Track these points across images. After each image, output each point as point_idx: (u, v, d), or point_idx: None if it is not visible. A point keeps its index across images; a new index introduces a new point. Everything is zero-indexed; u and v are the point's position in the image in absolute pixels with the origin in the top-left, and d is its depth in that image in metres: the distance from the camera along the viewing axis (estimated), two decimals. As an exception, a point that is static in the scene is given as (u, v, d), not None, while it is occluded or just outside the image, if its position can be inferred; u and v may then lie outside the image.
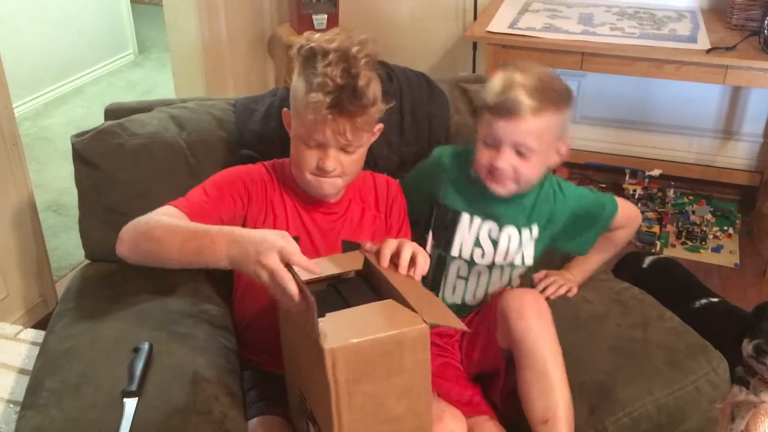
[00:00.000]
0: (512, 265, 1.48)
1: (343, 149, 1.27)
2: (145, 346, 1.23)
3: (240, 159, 1.53)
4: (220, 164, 1.50)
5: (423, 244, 1.47)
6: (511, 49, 2.58)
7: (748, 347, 1.64)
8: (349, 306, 1.11)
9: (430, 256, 1.44)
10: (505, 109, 1.32)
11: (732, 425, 1.78)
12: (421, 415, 1.09)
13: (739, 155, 3.09)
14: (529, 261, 1.48)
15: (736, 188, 3.06)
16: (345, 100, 1.20)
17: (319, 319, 1.05)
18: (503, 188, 1.39)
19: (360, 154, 1.31)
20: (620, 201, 1.52)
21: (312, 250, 1.35)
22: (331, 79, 1.19)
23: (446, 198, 1.47)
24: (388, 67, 1.72)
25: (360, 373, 1.01)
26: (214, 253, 1.12)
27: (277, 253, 1.05)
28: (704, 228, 2.80)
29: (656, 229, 2.78)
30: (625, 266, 2.04)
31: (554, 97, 1.34)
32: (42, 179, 3.00)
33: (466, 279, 1.49)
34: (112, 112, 1.64)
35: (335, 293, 1.19)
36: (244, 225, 1.34)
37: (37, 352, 1.32)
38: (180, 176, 1.52)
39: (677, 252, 2.67)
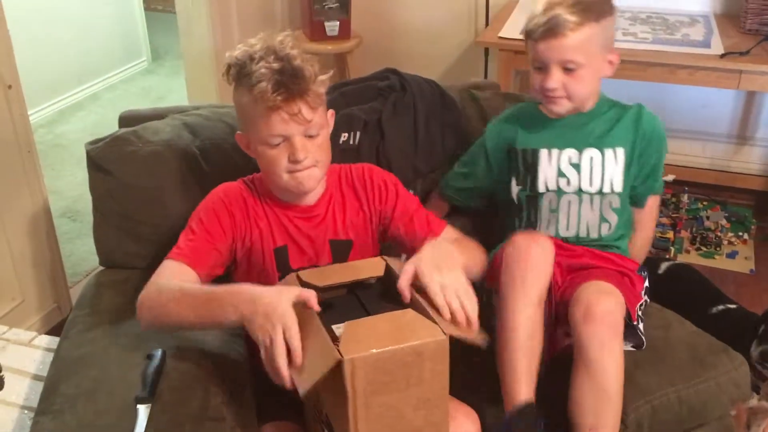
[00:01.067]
0: (601, 193, 1.48)
1: (307, 134, 1.25)
2: (158, 352, 1.23)
3: (252, 167, 1.54)
4: (232, 171, 1.51)
5: (507, 192, 1.54)
6: (524, 55, 2.55)
7: (755, 352, 1.63)
8: (368, 314, 1.11)
9: (517, 199, 1.52)
10: (545, 30, 1.38)
11: (748, 432, 1.76)
12: (439, 426, 1.08)
13: (753, 160, 3.07)
14: (618, 187, 1.49)
15: (750, 193, 3.03)
16: (287, 80, 1.19)
17: (337, 326, 1.05)
18: (560, 107, 1.45)
19: (324, 137, 1.28)
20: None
21: (301, 257, 1.35)
22: (267, 68, 1.20)
23: (520, 142, 1.52)
24: (401, 76, 1.72)
25: (378, 384, 1.01)
26: (226, 318, 1.13)
27: (282, 318, 1.05)
28: (719, 234, 2.78)
29: (670, 234, 2.76)
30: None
31: (592, 8, 1.38)
32: (57, 186, 3.02)
33: (557, 211, 1.50)
34: (126, 120, 1.66)
35: (355, 299, 1.18)
36: (233, 245, 1.34)
37: (52, 358, 1.33)
38: (193, 183, 1.53)
39: (692, 258, 2.65)
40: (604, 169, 1.48)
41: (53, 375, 1.27)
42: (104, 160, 1.51)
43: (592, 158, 1.47)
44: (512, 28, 2.66)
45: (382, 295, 1.19)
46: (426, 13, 3.21)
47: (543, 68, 1.42)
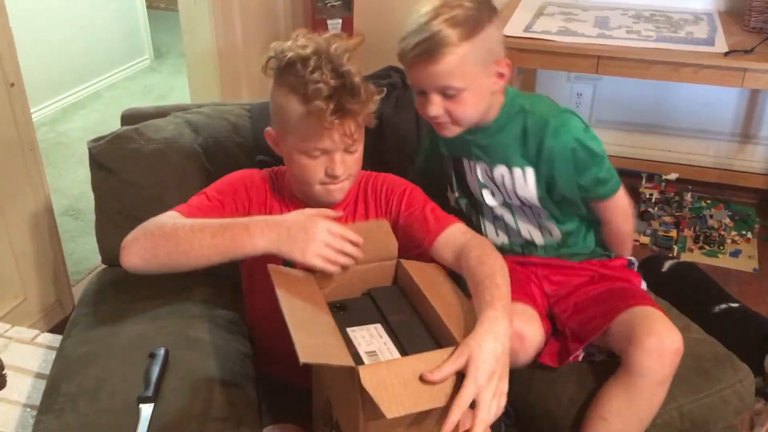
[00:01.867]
0: (527, 205, 1.41)
1: (347, 150, 1.23)
2: (161, 351, 1.23)
3: (255, 164, 1.53)
4: (235, 169, 1.50)
5: (456, 199, 1.50)
6: (526, 53, 2.57)
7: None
8: (383, 317, 1.10)
9: (458, 205, 1.48)
10: (414, 56, 1.24)
11: (752, 433, 1.76)
12: None
13: (757, 159, 3.06)
14: (537, 203, 1.39)
15: (754, 192, 3.02)
16: (345, 101, 1.16)
17: (352, 329, 1.06)
18: (448, 132, 1.34)
19: (361, 150, 1.27)
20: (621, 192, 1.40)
21: None
22: (325, 83, 1.15)
23: (446, 149, 1.47)
24: (403, 74, 1.72)
25: None
26: (252, 238, 1.12)
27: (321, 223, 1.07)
28: (722, 232, 2.77)
29: (673, 233, 2.76)
30: (644, 270, 2.03)
31: (465, 24, 1.23)
32: (59, 184, 3.02)
33: (501, 219, 1.47)
34: (128, 118, 1.65)
35: (370, 302, 1.17)
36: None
37: (54, 357, 1.33)
38: (195, 181, 1.52)
39: (695, 256, 2.64)
40: (515, 187, 1.39)
41: (55, 374, 1.26)
42: (106, 158, 1.51)
43: (503, 175, 1.39)
44: (514, 27, 2.66)
45: (397, 300, 1.17)
46: (429, 11, 3.21)
47: (422, 93, 1.30)
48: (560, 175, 1.34)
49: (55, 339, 1.61)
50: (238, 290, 1.46)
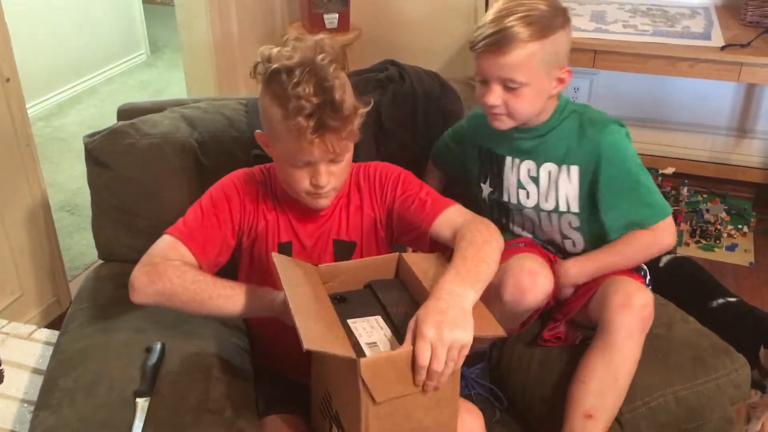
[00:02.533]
0: (558, 212, 1.43)
1: (332, 161, 1.21)
2: (158, 345, 1.23)
3: (251, 158, 1.53)
4: (231, 164, 1.50)
5: (479, 193, 1.52)
6: (523, 47, 2.57)
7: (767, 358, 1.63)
8: (384, 308, 1.11)
9: (489, 200, 1.50)
10: (486, 44, 1.30)
11: (747, 426, 1.76)
12: (447, 425, 1.09)
13: (753, 153, 3.06)
14: (574, 207, 1.41)
15: (750, 186, 3.03)
16: (327, 118, 1.13)
17: (353, 320, 1.07)
18: (501, 124, 1.38)
19: (348, 158, 1.25)
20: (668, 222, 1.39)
21: (303, 254, 1.32)
22: (306, 99, 1.12)
23: (489, 143, 1.48)
24: (400, 67, 1.72)
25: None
26: (234, 308, 1.19)
27: None
28: (718, 226, 2.77)
29: (670, 227, 2.76)
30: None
31: (540, 23, 1.29)
32: (55, 179, 3.02)
33: (522, 225, 1.49)
34: (125, 113, 1.65)
35: (371, 295, 1.18)
36: (239, 233, 1.32)
37: (51, 352, 1.33)
38: (191, 176, 1.52)
39: (691, 251, 2.64)
40: (558, 186, 1.41)
41: (53, 369, 1.26)
42: (102, 153, 1.51)
43: (550, 173, 1.41)
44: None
45: (398, 291, 1.18)
46: (425, 5, 3.20)
47: (484, 82, 1.35)
48: (605, 174, 1.37)
49: (53, 334, 1.61)
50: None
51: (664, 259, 2.11)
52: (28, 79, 2.15)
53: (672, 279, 2.04)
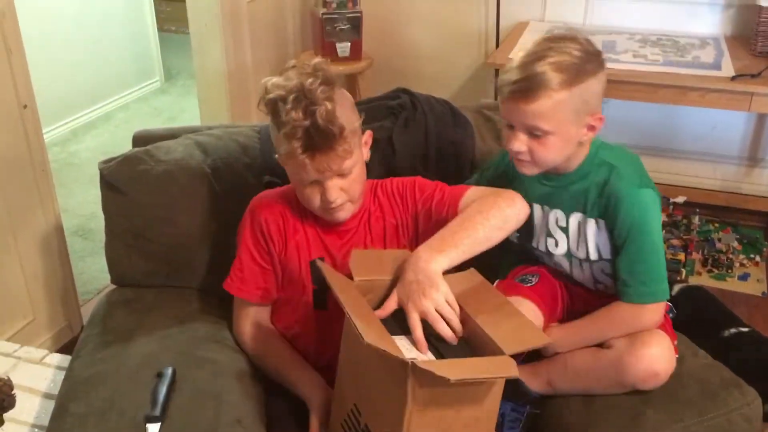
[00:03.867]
0: (589, 260, 1.39)
1: (340, 176, 1.27)
2: (169, 371, 1.23)
3: (263, 185, 1.54)
4: (244, 190, 1.52)
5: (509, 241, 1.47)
6: (534, 76, 2.58)
7: None
8: (425, 329, 1.13)
9: (515, 243, 1.47)
10: (511, 91, 1.26)
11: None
12: None
13: (764, 182, 3.06)
14: (607, 254, 1.37)
15: (762, 215, 3.01)
16: (315, 138, 1.21)
17: (399, 338, 1.10)
18: (526, 170, 1.34)
19: (358, 171, 1.30)
20: (658, 311, 1.33)
21: (335, 268, 1.35)
22: (295, 123, 1.20)
23: (517, 187, 1.41)
24: (412, 95, 1.73)
25: (438, 396, 1.02)
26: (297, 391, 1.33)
27: None
28: (730, 255, 2.76)
29: (681, 256, 2.75)
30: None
31: (569, 71, 1.23)
32: (69, 204, 3.04)
33: (559, 265, 1.45)
34: (140, 139, 1.67)
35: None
36: (274, 261, 1.38)
37: (63, 377, 1.33)
38: (204, 202, 1.54)
39: (703, 280, 2.63)
40: (587, 237, 1.36)
41: (64, 394, 1.27)
42: (116, 179, 1.52)
43: (579, 223, 1.37)
44: (522, 50, 2.67)
45: None
46: (437, 34, 3.24)
47: (510, 127, 1.31)
48: (617, 230, 1.33)
49: (64, 359, 1.61)
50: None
51: (676, 288, 2.11)
52: (44, 105, 2.18)
53: (684, 308, 2.02)
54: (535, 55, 1.26)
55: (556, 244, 1.41)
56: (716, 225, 2.96)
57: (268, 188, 1.50)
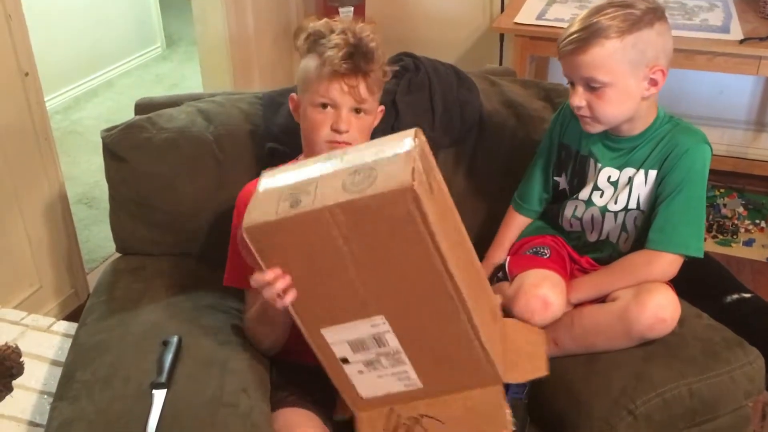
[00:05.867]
0: (626, 209, 1.41)
1: (355, 110, 1.32)
2: (174, 339, 1.24)
3: (265, 152, 1.54)
4: (246, 158, 1.52)
5: (556, 186, 1.52)
6: (539, 41, 2.55)
7: None
8: None
9: (568, 188, 1.50)
10: (565, 44, 1.30)
11: (763, 423, 1.75)
12: None
13: (772, 147, 3.04)
14: (644, 206, 1.39)
15: (768, 181, 3.01)
16: (357, 56, 1.28)
17: None
18: (590, 127, 1.36)
19: (368, 122, 1.36)
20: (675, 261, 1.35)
21: None
22: (344, 41, 1.28)
23: (572, 141, 1.46)
24: (416, 58, 1.71)
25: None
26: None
27: None
28: (735, 221, 2.75)
29: (686, 222, 2.74)
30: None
31: (622, 22, 1.26)
32: (73, 172, 3.04)
33: (579, 219, 1.47)
34: (142, 107, 1.66)
35: None
36: None
37: (70, 345, 1.35)
38: (207, 170, 1.53)
39: (708, 245, 2.62)
40: (632, 188, 1.39)
41: (71, 361, 1.28)
42: (119, 148, 1.52)
43: (630, 178, 1.39)
44: (528, 14, 2.64)
45: None
46: (441, -2, 3.20)
47: (572, 84, 1.35)
48: (667, 180, 1.35)
49: (71, 326, 1.63)
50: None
51: (680, 254, 2.10)
52: (45, 72, 2.17)
53: (686, 273, 2.02)
54: (591, 11, 1.30)
55: (601, 196, 1.43)
56: (722, 190, 2.95)
57: (271, 155, 1.50)
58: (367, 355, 1.11)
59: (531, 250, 1.47)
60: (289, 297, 1.06)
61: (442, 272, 1.00)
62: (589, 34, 1.27)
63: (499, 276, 1.48)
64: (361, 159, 1.01)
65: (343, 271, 1.02)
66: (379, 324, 1.07)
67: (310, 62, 1.32)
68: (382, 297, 1.05)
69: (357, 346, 1.10)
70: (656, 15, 1.29)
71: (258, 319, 1.27)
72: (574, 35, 1.29)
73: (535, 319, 1.33)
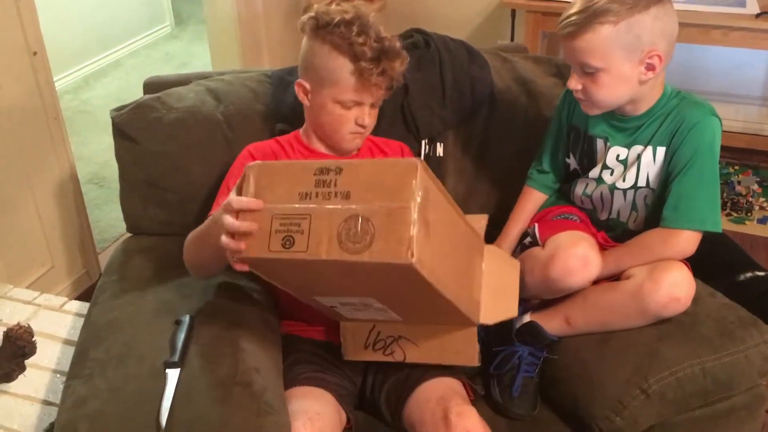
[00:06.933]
0: (636, 187, 1.40)
1: (374, 104, 1.37)
2: (187, 318, 1.24)
3: (276, 133, 1.53)
4: (256, 136, 1.50)
5: (567, 166, 1.51)
6: (552, 16, 2.52)
7: None
8: None
9: (579, 167, 1.50)
10: (560, 28, 1.31)
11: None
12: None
13: (787, 124, 3.00)
14: (654, 184, 1.39)
15: (783, 158, 2.97)
16: (386, 63, 1.31)
17: None
18: (587, 110, 1.37)
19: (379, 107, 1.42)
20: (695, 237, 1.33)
21: None
22: (370, 47, 1.29)
23: (579, 122, 1.45)
24: (426, 34, 1.69)
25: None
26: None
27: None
28: (750, 198, 2.73)
29: (700, 200, 2.72)
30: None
31: (608, 7, 1.25)
32: (83, 152, 3.05)
33: (589, 197, 1.47)
34: (151, 86, 1.65)
35: None
36: None
37: (82, 324, 1.35)
38: (217, 149, 1.53)
39: (722, 223, 2.60)
40: (641, 165, 1.38)
41: (83, 340, 1.28)
42: (129, 127, 1.51)
43: (638, 155, 1.38)
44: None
45: None
46: (451, -26, 3.16)
47: (570, 67, 1.35)
48: (678, 157, 1.34)
49: (83, 306, 1.64)
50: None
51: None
52: (54, 52, 2.16)
53: (700, 251, 2.01)
54: None
55: (611, 174, 1.42)
56: (736, 168, 2.92)
57: (280, 135, 1.49)
58: (355, 307, 1.20)
59: (560, 216, 1.47)
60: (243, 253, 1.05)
61: (432, 287, 1.03)
62: (583, 18, 1.26)
63: (525, 243, 1.47)
64: (357, 197, 0.99)
65: (337, 284, 1.11)
66: (367, 300, 1.16)
67: (334, 60, 1.31)
68: (368, 291, 1.13)
69: (346, 305, 1.20)
70: (652, 0, 1.26)
71: (198, 239, 1.25)
72: (570, 18, 1.28)
73: (574, 278, 1.31)
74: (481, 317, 1.20)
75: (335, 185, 1.01)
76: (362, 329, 1.28)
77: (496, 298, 1.23)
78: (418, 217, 0.96)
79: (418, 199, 0.96)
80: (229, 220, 1.06)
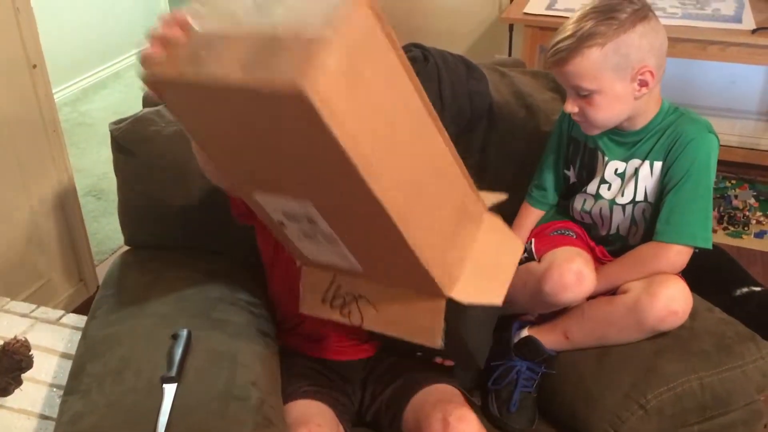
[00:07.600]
0: (634, 202, 1.41)
1: None
2: (184, 332, 1.24)
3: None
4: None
5: (566, 179, 1.51)
6: (549, 31, 2.53)
7: None
8: None
9: (577, 181, 1.50)
10: (551, 55, 1.32)
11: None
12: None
13: (784, 138, 3.01)
14: (651, 198, 1.40)
15: (780, 172, 2.98)
16: None
17: None
18: (587, 131, 1.38)
19: None
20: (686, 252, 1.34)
21: None
22: None
23: (580, 135, 1.46)
24: (425, 48, 1.70)
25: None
26: None
27: None
28: (747, 213, 2.73)
29: (697, 214, 2.72)
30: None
31: (594, 30, 1.26)
32: (82, 164, 3.05)
33: (588, 212, 1.47)
34: (150, 99, 1.65)
35: None
36: None
37: (79, 337, 1.35)
38: (216, 163, 1.53)
39: (719, 237, 2.61)
40: (638, 180, 1.39)
41: (81, 354, 1.28)
42: (127, 141, 1.51)
43: (636, 169, 1.39)
44: (538, 4, 2.62)
45: None
46: (449, -12, 3.18)
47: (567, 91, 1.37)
48: (674, 171, 1.35)
49: (81, 319, 1.63)
50: (261, 272, 1.47)
51: (691, 246, 2.08)
52: (53, 64, 2.17)
53: (696, 266, 2.01)
54: (573, 19, 1.30)
55: (609, 188, 1.43)
56: (733, 182, 2.93)
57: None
58: (302, 226, 1.00)
59: (557, 231, 1.47)
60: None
61: (362, 180, 0.80)
62: (570, 44, 1.28)
63: (522, 258, 1.46)
64: (284, 20, 0.76)
65: (246, 154, 0.89)
66: (308, 206, 0.94)
67: None
68: (298, 184, 0.91)
69: (290, 216, 0.99)
70: (638, 16, 1.27)
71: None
72: (558, 46, 1.30)
73: (568, 294, 1.31)
74: (454, 291, 1.00)
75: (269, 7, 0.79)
76: (322, 280, 1.13)
77: (480, 275, 1.05)
78: (341, 53, 0.70)
79: (350, 35, 0.72)
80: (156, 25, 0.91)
